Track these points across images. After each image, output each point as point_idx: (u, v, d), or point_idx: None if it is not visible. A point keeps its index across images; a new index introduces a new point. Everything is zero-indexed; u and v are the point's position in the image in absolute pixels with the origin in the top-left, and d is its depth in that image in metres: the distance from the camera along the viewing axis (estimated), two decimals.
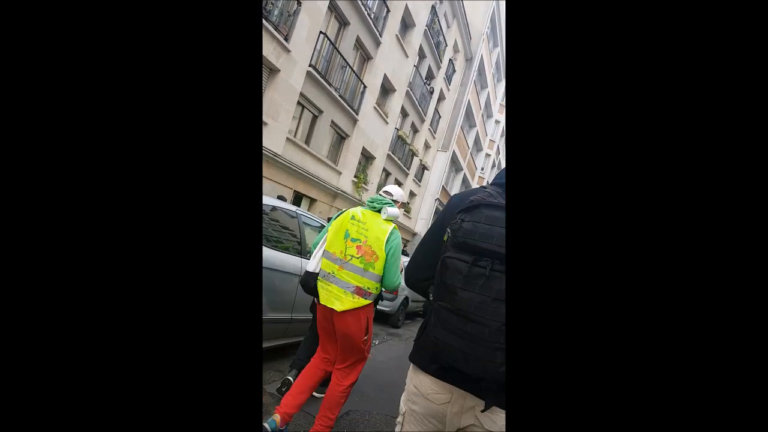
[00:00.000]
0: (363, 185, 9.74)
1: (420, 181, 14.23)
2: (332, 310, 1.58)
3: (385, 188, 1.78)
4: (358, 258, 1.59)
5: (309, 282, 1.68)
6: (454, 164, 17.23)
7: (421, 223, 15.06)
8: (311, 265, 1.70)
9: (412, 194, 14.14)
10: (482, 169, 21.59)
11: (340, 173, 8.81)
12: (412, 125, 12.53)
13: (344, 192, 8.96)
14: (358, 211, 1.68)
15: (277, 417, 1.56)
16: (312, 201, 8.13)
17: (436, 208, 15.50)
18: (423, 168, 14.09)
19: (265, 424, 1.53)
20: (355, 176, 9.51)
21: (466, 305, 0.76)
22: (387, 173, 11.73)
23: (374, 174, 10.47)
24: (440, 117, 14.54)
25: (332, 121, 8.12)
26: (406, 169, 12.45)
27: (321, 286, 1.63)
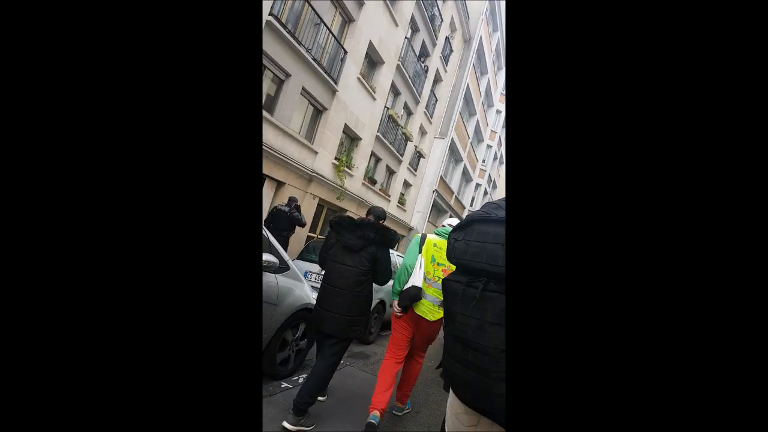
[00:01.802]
0: (346, 169, 8.44)
1: (415, 170, 12.92)
2: (421, 318, 2.03)
3: (448, 221, 2.22)
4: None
5: (418, 294, 2.01)
6: (453, 154, 15.93)
7: (417, 216, 13.72)
8: (416, 281, 2.02)
9: (407, 184, 12.82)
10: (483, 161, 20.28)
11: (317, 153, 7.52)
12: (405, 106, 11.25)
13: (321, 176, 7.66)
14: (436, 239, 2.07)
15: (377, 413, 1.94)
16: (279, 184, 6.84)
17: (434, 200, 14.16)
18: (419, 155, 12.77)
19: (371, 420, 1.92)
20: (336, 158, 8.22)
21: (464, 330, 0.71)
22: (376, 158, 10.43)
23: (360, 158, 9.17)
24: (437, 100, 13.26)
25: (304, 89, 6.84)
26: (399, 155, 11.14)
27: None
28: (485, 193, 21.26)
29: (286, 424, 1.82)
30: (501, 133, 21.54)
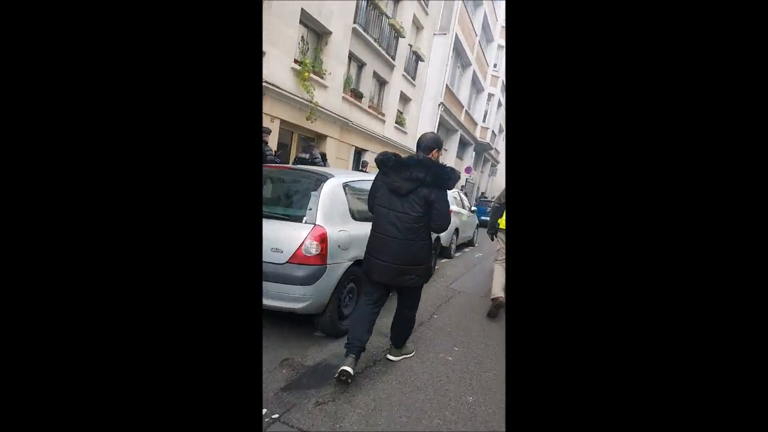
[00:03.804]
0: (313, 76, 6.19)
1: (414, 78, 10.36)
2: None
3: None
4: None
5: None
6: (459, 57, 13.00)
7: None
8: None
9: (404, 98, 10.40)
10: (495, 65, 17.03)
11: (264, 54, 5.29)
12: None
13: (277, 86, 5.52)
14: None
15: None
16: None
17: (440, 116, 11.74)
18: (416, 58, 10.11)
19: None
20: (296, 61, 5.95)
21: None
22: (359, 63, 7.99)
23: (334, 62, 6.81)
24: None
25: None
26: (390, 58, 8.61)
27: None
28: (499, 104, 18.31)
29: (390, 357, 1.98)
30: None
